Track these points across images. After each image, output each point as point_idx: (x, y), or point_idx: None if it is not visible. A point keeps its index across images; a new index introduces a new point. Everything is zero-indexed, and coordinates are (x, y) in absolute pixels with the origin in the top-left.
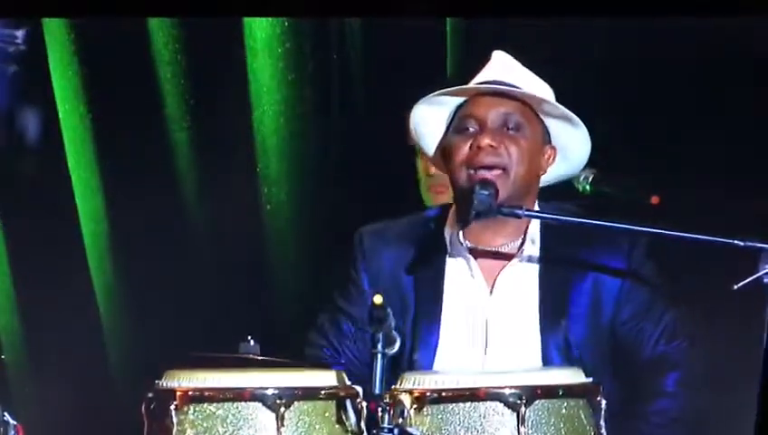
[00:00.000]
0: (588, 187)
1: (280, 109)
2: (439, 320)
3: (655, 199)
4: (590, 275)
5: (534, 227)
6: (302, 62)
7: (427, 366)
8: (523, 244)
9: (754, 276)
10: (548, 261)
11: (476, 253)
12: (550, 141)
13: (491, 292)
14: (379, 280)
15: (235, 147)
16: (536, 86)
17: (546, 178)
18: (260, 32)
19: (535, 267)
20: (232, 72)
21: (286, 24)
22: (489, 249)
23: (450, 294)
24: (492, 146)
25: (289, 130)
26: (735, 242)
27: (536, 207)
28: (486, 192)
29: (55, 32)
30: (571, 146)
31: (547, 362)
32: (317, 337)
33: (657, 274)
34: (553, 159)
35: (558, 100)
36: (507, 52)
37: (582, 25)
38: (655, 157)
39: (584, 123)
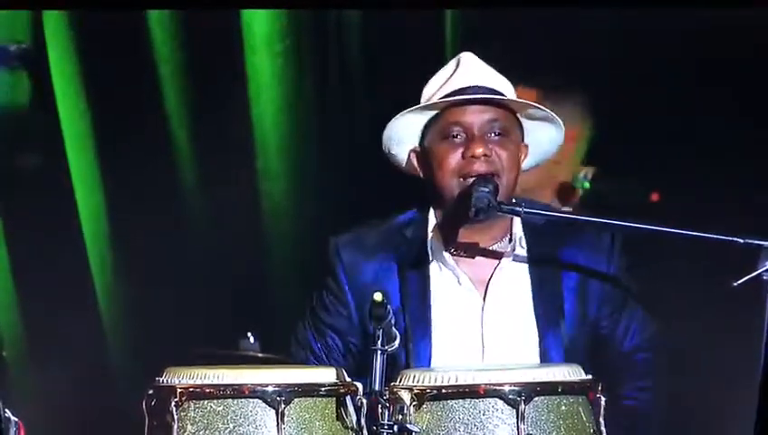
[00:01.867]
0: (586, 184)
1: (279, 105)
2: (430, 330)
3: (654, 196)
4: (576, 273)
5: (517, 226)
6: (302, 58)
7: None
8: (512, 245)
9: (754, 274)
10: (536, 261)
11: (461, 258)
12: (523, 139)
13: (484, 297)
14: (364, 293)
15: (234, 143)
16: (506, 85)
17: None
18: (259, 28)
19: (525, 268)
20: (231, 68)
21: (285, 20)
22: (473, 251)
23: (438, 303)
24: (486, 155)
25: (288, 127)
26: (735, 239)
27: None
28: (486, 189)
29: (55, 29)
30: (543, 142)
31: (547, 361)
32: (302, 352)
33: (627, 268)
34: (526, 155)
35: (558, 95)
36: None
37: (582, 18)
38: (655, 154)
39: (584, 121)
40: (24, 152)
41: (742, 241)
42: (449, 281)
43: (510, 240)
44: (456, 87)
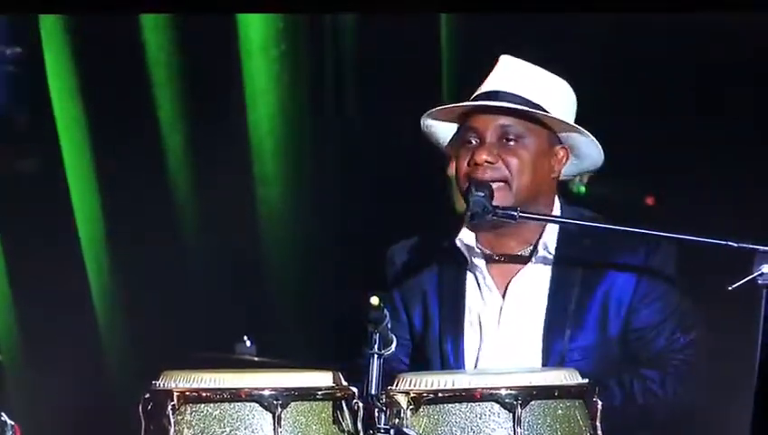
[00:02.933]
0: (582, 188)
1: (275, 110)
2: (462, 330)
3: (649, 200)
4: (603, 282)
5: (550, 232)
6: (298, 64)
7: None
8: (535, 249)
9: (749, 278)
10: (560, 267)
11: (491, 260)
12: (560, 142)
13: (503, 297)
14: (409, 296)
15: (230, 149)
16: (542, 90)
17: (565, 174)
18: (255, 34)
19: (548, 273)
20: (227, 74)
21: (281, 25)
22: (503, 255)
23: (469, 304)
24: (488, 161)
25: (284, 132)
26: (729, 243)
27: (556, 209)
28: (482, 194)
29: (52, 33)
30: (580, 147)
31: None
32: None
33: (673, 285)
34: (567, 158)
35: None
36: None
37: (580, 22)
38: (650, 158)
39: (582, 122)
40: (19, 156)
41: (735, 244)
42: (479, 282)
43: (536, 244)
44: (482, 91)
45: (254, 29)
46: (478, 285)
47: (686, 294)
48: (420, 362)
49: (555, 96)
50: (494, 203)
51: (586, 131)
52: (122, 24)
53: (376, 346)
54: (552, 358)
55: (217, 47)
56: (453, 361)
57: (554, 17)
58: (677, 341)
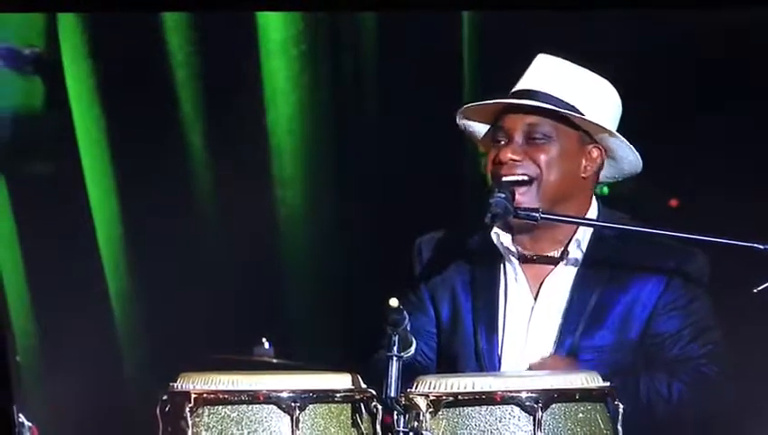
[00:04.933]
0: (604, 189)
1: (294, 111)
2: (497, 326)
3: (673, 202)
4: (631, 285)
5: (583, 233)
6: (317, 64)
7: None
8: (566, 249)
9: None
10: (588, 266)
11: (524, 259)
12: (594, 142)
13: (536, 298)
14: (437, 290)
15: (249, 149)
16: (576, 89)
17: (605, 177)
18: (275, 34)
19: (575, 274)
20: (247, 74)
21: (301, 25)
22: (536, 255)
23: (502, 301)
24: (513, 159)
25: (303, 133)
26: (755, 245)
27: (593, 211)
28: (502, 195)
29: (70, 32)
30: (615, 149)
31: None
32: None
33: (700, 299)
34: (602, 158)
35: None
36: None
37: (596, 19)
38: (674, 159)
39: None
40: (37, 156)
41: (762, 247)
42: (510, 280)
43: (568, 245)
44: (514, 90)
45: (274, 28)
46: (506, 282)
47: (712, 312)
48: (448, 358)
49: (591, 96)
50: (520, 202)
51: (618, 134)
52: (141, 24)
53: (395, 348)
54: (559, 353)
55: (237, 47)
56: (487, 356)
57: (573, 15)
58: (692, 350)
